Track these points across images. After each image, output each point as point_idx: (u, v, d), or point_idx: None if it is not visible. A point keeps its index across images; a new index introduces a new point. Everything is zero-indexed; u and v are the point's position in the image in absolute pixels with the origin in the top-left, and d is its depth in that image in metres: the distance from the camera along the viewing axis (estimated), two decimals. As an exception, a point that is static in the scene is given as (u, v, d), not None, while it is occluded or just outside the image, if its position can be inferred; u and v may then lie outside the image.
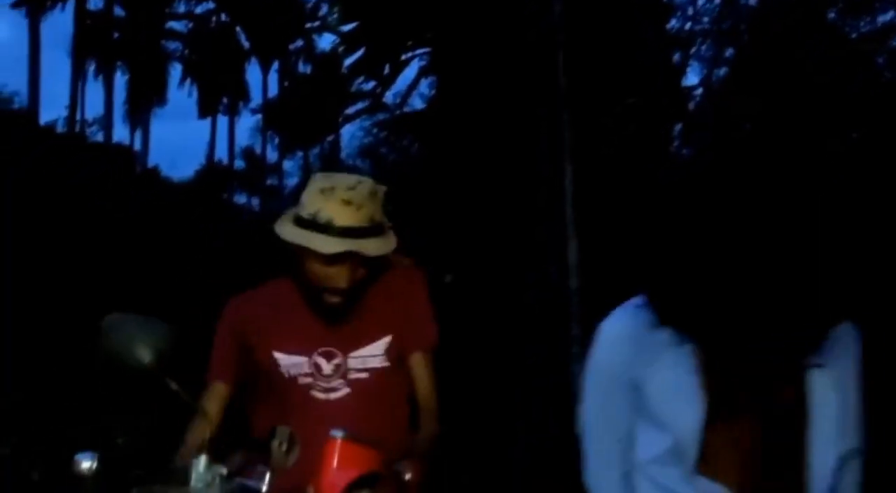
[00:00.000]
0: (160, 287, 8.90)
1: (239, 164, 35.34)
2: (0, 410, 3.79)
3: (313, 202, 1.60)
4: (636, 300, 1.29)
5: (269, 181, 35.64)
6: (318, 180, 1.67)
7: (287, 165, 36.00)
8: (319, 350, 1.72)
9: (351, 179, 1.65)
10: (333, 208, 1.57)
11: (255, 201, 35.58)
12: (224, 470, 1.07)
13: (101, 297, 7.78)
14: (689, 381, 1.23)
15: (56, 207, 10.09)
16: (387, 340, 1.74)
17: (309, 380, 1.72)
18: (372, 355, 1.74)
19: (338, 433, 1.31)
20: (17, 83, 36.01)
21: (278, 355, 1.73)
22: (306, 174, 34.50)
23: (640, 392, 1.28)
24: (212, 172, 32.36)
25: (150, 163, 27.01)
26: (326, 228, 1.56)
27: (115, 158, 18.99)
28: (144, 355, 1.10)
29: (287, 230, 1.61)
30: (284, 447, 1.28)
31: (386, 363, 1.74)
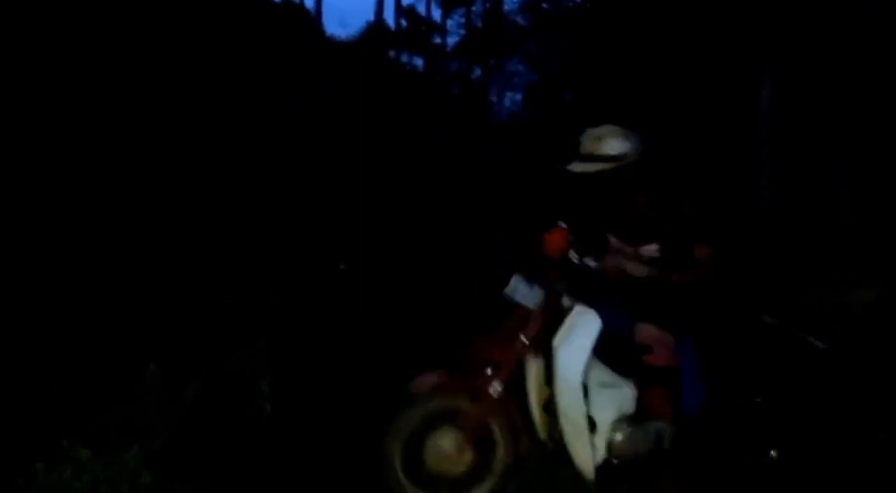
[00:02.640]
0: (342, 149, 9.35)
1: (404, 24, 35.39)
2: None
3: None
4: None
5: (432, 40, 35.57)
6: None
7: (449, 24, 35.69)
8: (627, 238, 3.39)
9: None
10: None
11: (419, 61, 35.82)
12: None
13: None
14: None
15: (229, 71, 10.68)
16: (656, 247, 3.34)
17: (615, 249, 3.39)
18: (649, 251, 3.35)
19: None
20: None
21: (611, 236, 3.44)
22: (469, 33, 34.12)
23: None
24: (378, 31, 32.69)
25: (320, 22, 27.56)
26: None
27: (286, 17, 19.57)
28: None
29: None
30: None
31: (655, 255, 3.37)
